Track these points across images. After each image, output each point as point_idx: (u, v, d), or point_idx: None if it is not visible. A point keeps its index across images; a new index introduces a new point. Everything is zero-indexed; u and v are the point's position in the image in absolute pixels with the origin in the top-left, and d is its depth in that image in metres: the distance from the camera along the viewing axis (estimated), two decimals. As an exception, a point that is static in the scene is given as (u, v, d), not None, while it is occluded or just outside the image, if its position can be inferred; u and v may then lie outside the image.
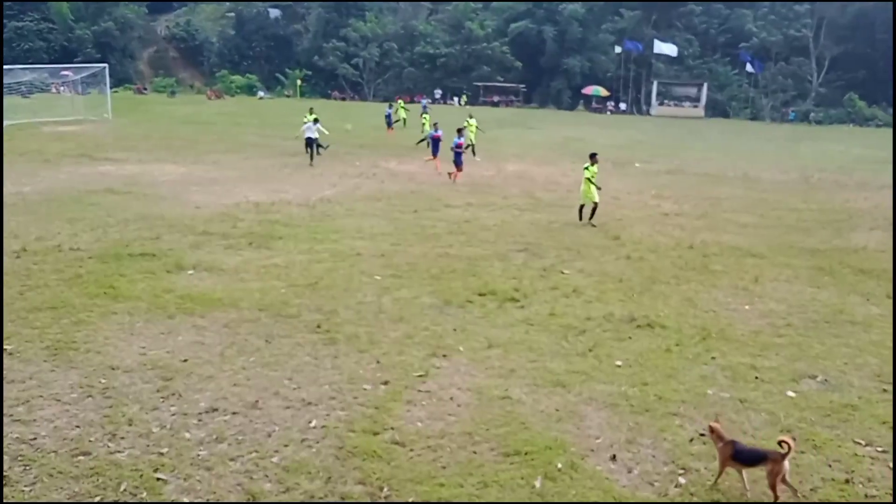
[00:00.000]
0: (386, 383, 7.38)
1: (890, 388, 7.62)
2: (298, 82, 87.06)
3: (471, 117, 31.03)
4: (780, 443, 5.38)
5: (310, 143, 25.82)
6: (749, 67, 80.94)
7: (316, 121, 26.72)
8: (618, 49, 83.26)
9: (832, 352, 8.70)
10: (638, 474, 5.87)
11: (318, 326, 8.97)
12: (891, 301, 10.91)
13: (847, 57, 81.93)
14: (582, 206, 16.60)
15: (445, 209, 17.84)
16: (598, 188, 16.27)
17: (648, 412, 6.93)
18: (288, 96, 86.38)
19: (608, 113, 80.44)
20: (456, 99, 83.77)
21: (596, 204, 16.32)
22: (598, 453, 6.17)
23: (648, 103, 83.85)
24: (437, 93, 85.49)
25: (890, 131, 66.18)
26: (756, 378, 7.82)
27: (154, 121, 42.90)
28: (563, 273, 12.08)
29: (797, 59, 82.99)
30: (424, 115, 37.02)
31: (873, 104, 78.06)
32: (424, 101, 61.62)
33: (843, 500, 5.52)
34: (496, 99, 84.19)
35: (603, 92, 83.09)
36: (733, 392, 7.43)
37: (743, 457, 5.57)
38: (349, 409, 6.77)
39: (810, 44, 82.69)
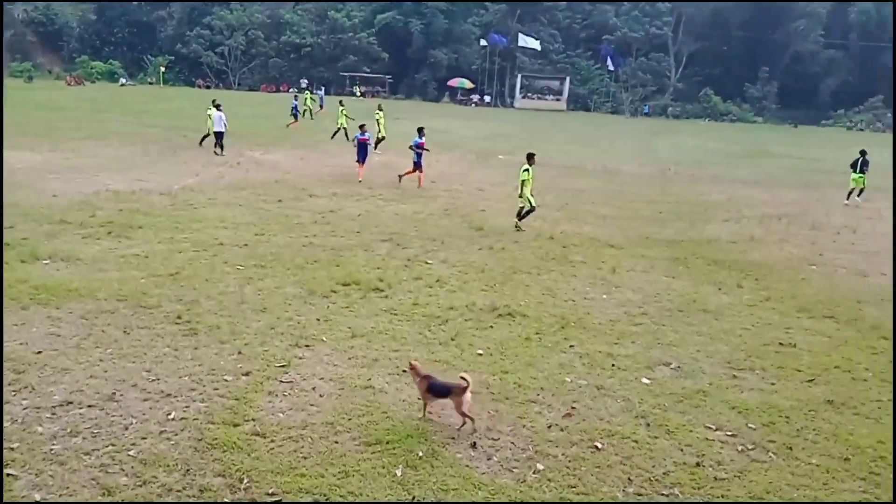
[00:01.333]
0: (247, 374, 7.42)
1: (739, 373, 8.17)
2: (161, 69, 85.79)
3: (380, 109, 31.18)
4: (461, 378, 6.37)
5: (218, 136, 25.62)
6: (610, 62, 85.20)
7: (218, 107, 26.23)
8: (483, 42, 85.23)
9: (685, 339, 9.23)
10: (497, 461, 6.02)
11: (179, 317, 8.92)
12: (741, 290, 11.74)
13: (704, 54, 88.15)
14: (521, 208, 16.07)
15: (310, 199, 17.89)
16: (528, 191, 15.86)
17: (508, 400, 7.11)
18: (151, 83, 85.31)
19: (473, 105, 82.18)
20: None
21: (532, 207, 15.86)
22: (458, 441, 6.29)
23: (512, 96, 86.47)
24: (304, 82, 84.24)
25: (744, 126, 71.65)
26: (613, 366, 8.16)
27: (9, 107, 39.61)
28: (426, 263, 12.25)
29: (656, 55, 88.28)
30: (341, 109, 35.54)
31: (728, 100, 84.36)
32: (320, 92, 60.29)
33: (693, 483, 5.84)
34: (362, 89, 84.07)
35: (468, 84, 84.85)
36: (590, 379, 7.72)
37: (435, 390, 6.47)
38: (209, 401, 6.77)
39: (669, 40, 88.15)
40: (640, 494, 5.62)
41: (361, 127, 22.31)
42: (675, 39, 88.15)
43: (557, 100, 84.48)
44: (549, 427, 6.61)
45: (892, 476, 6.07)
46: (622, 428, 6.65)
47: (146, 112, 38.77)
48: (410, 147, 21.20)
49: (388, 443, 6.15)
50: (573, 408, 7.01)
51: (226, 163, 23.53)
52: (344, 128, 33.34)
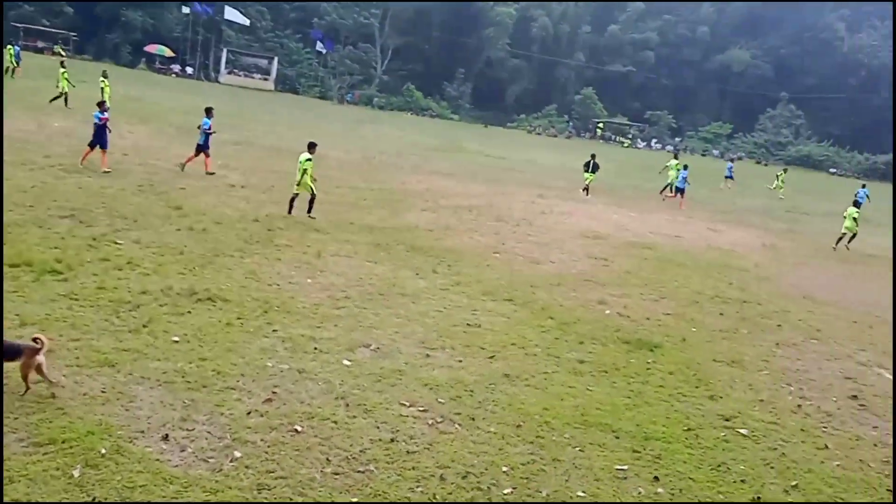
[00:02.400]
0: None
1: (432, 352, 8.74)
2: None
3: (105, 77, 28.78)
4: (34, 339, 6.30)
5: None
6: (319, 46, 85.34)
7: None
8: (185, 9, 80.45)
9: (385, 322, 9.65)
10: (192, 452, 5.84)
11: None
12: (436, 275, 12.51)
13: (408, 49, 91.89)
14: (295, 196, 15.85)
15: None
16: (314, 179, 15.94)
17: (206, 388, 6.91)
18: None
19: (173, 76, 77.31)
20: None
21: (314, 193, 15.81)
22: (148, 434, 5.99)
23: (217, 70, 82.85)
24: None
25: (442, 122, 75.87)
26: (315, 349, 8.29)
27: None
28: (116, 244, 11.38)
29: (364, 46, 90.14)
30: (63, 69, 30.61)
31: (428, 96, 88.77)
32: (18, 48, 51.53)
33: (388, 458, 6.15)
34: (40, 45, 74.58)
35: (168, 52, 79.43)
36: (292, 363, 7.77)
37: (7, 353, 6.21)
38: None
39: (376, 32, 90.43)
40: (337, 474, 5.79)
41: (101, 105, 18.79)
42: (381, 32, 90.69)
43: (265, 79, 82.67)
44: (249, 413, 6.55)
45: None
46: (322, 410, 6.80)
47: None
48: (199, 128, 19.71)
49: (63, 442, 5.66)
50: (274, 393, 7.01)
51: None
52: (65, 93, 29.79)
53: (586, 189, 28.09)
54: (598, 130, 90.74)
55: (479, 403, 7.46)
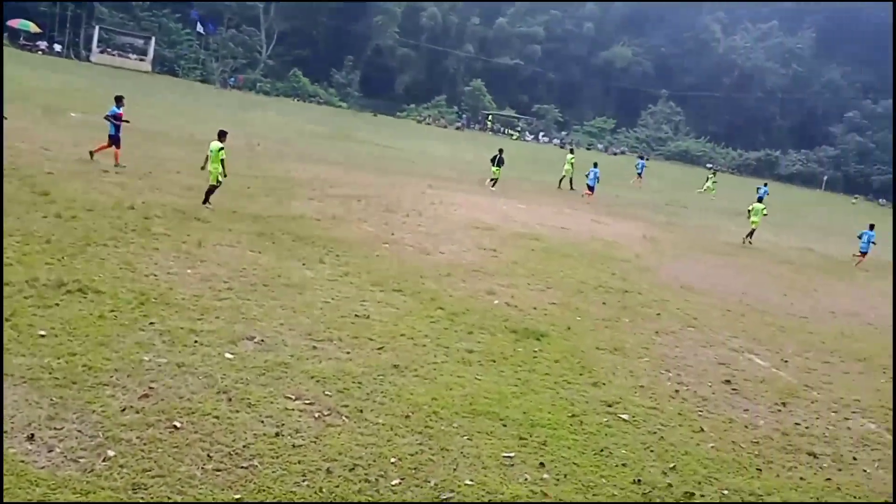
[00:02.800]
0: None
1: (319, 344, 8.61)
2: None
3: None
4: None
5: None
6: (200, 28, 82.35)
7: None
8: (52, -19, 75.86)
9: (269, 313, 9.42)
10: (60, 452, 5.52)
11: None
12: (323, 265, 12.34)
13: (295, 34, 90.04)
14: (214, 188, 15.83)
15: None
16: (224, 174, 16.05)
17: (76, 384, 6.52)
18: None
19: (40, 53, 72.91)
20: None
21: (219, 182, 15.85)
22: (12, 434, 5.61)
23: (89, 49, 78.57)
24: None
25: (330, 109, 74.97)
26: (195, 342, 8.00)
27: None
28: (-28, 232, 10.56)
29: (249, 29, 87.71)
30: None
31: (316, 82, 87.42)
32: None
33: (272, 453, 6.01)
34: None
35: (34, 28, 74.59)
36: (171, 357, 7.46)
37: None
38: None
39: (261, 15, 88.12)
40: (219, 470, 5.61)
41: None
42: (266, 15, 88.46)
43: (142, 60, 79.04)
44: (123, 410, 6.23)
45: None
46: (203, 405, 6.57)
47: None
48: (106, 118, 18.98)
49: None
50: (151, 388, 6.71)
51: None
52: None
53: (494, 181, 29.33)
54: (488, 122, 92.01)
55: (368, 395, 7.41)
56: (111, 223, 12.56)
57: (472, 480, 6.08)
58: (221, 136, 16.04)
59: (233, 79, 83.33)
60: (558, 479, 6.35)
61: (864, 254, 24.91)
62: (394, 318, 10.08)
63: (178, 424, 6.15)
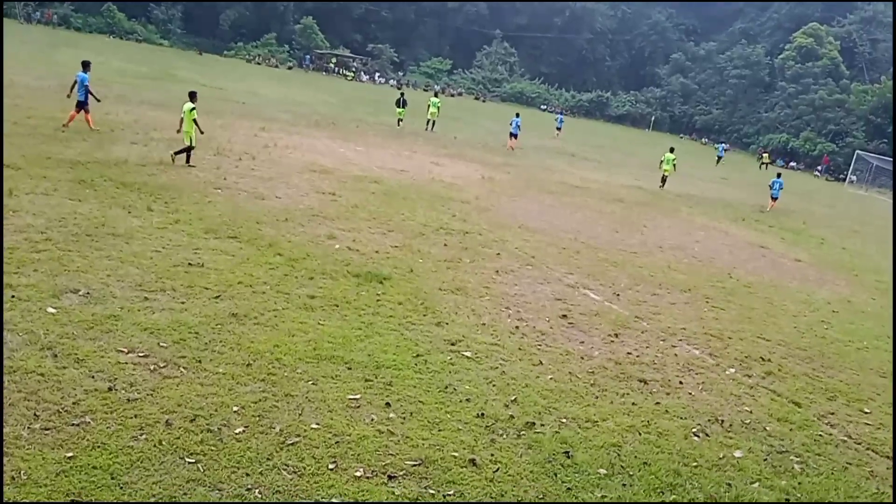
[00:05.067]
0: None
1: (151, 295, 8.33)
2: None
3: None
4: None
5: None
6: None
7: None
8: None
9: (94, 265, 8.99)
10: None
11: None
12: (151, 213, 11.84)
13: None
14: (191, 149, 16.55)
15: None
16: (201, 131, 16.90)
17: None
18: None
19: None
20: None
21: (193, 145, 16.57)
22: None
23: None
24: None
25: (151, 47, 70.61)
26: (13, 297, 7.52)
27: None
28: None
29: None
30: None
31: (133, 18, 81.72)
32: None
33: (106, 408, 5.84)
34: None
35: None
36: (-16, 315, 7.00)
37: None
38: None
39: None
40: (47, 429, 5.39)
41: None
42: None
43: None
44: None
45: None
46: (26, 362, 6.24)
47: None
48: (74, 85, 18.71)
49: None
50: (-36, 347, 6.30)
51: None
52: None
53: (399, 121, 33.11)
54: (331, 64, 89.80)
55: (206, 345, 7.30)
56: None
57: (318, 424, 6.19)
58: (192, 96, 16.79)
59: (39, 13, 76.30)
60: (404, 418, 6.58)
61: (774, 199, 28.98)
62: (230, 266, 9.90)
63: (-2, 385, 5.84)
